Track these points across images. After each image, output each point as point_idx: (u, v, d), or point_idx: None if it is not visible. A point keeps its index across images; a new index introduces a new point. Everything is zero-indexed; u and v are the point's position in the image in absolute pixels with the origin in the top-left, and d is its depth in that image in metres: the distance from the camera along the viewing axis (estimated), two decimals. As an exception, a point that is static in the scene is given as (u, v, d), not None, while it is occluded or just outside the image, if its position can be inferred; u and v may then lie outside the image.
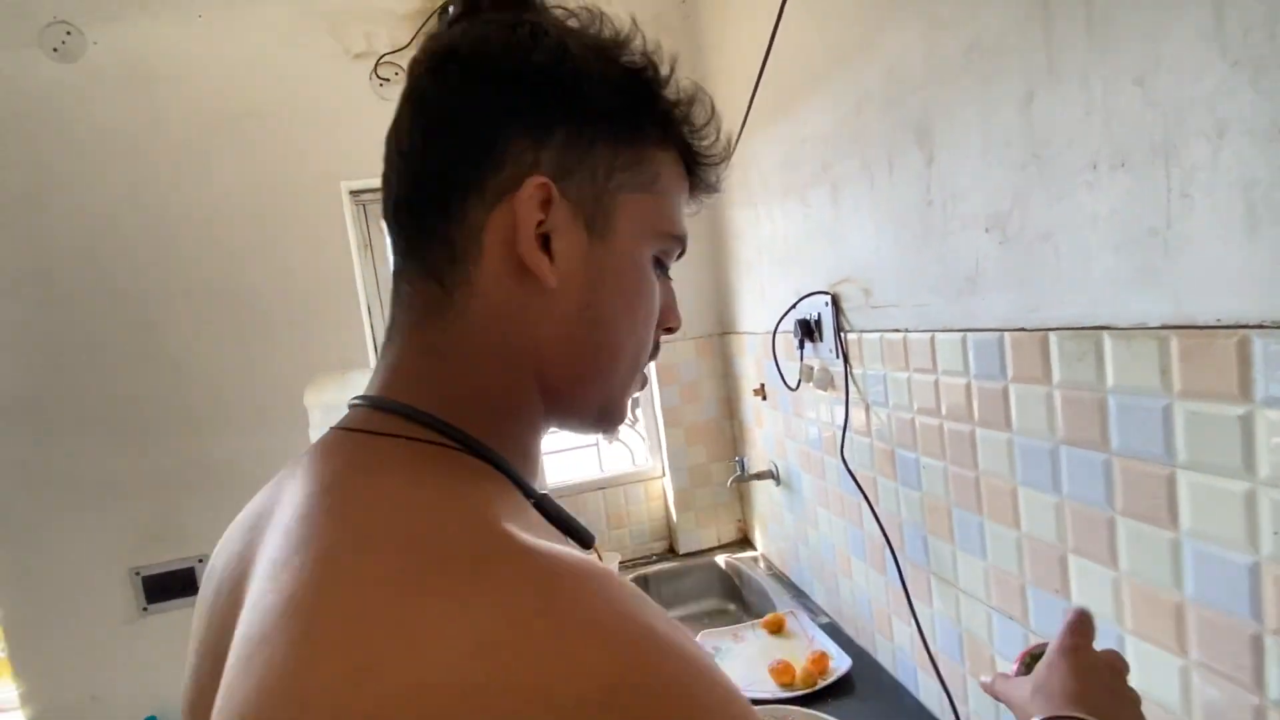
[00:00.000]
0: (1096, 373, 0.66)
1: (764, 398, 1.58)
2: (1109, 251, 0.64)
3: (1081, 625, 0.54)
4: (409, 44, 1.58)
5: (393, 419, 0.35)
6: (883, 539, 1.09)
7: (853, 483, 1.16)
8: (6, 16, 1.35)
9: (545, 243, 0.36)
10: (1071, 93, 0.66)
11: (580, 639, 0.22)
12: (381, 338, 0.41)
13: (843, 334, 1.17)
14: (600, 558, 1.75)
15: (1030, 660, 0.58)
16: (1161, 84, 0.57)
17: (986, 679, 0.59)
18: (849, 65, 1.04)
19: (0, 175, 1.39)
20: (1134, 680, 0.65)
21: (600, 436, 0.48)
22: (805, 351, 1.29)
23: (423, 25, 1.58)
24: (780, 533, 1.64)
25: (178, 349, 1.52)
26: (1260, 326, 0.52)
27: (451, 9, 0.39)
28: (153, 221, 1.49)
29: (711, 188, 0.44)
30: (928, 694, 1.07)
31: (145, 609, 1.52)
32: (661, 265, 0.42)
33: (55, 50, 1.37)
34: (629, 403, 0.44)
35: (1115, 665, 0.53)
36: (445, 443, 0.34)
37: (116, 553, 1.50)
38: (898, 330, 1.01)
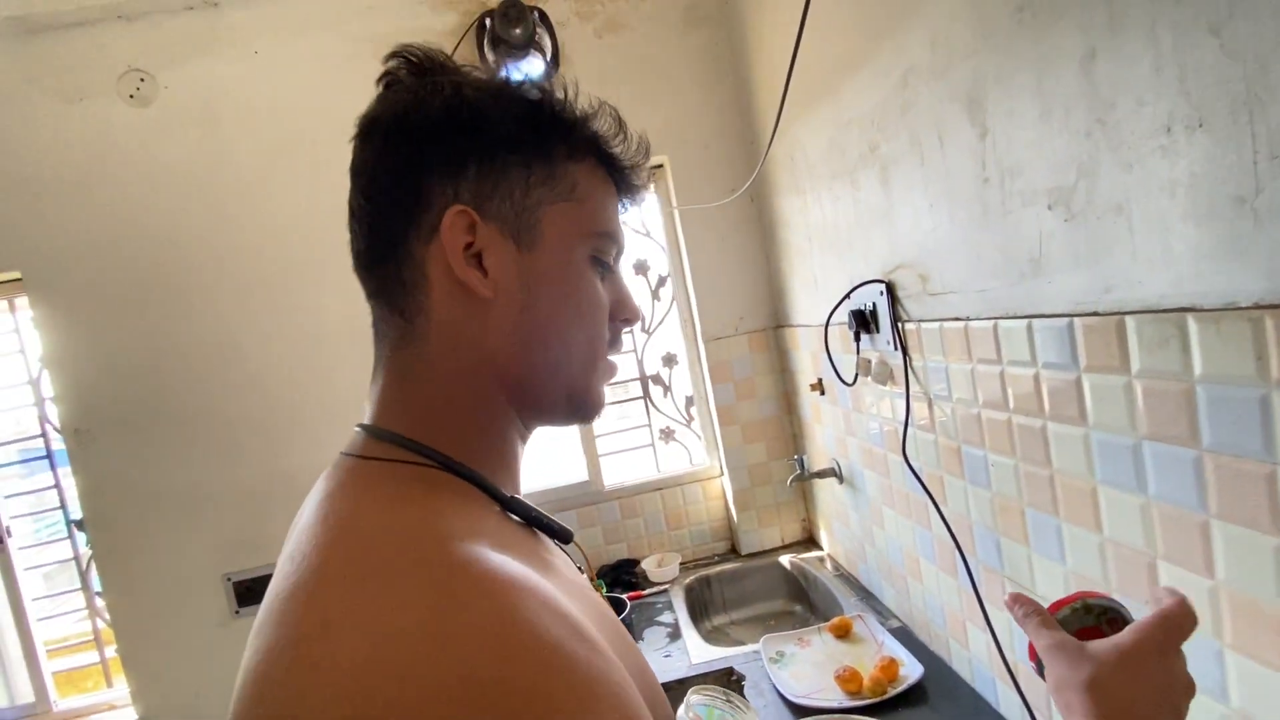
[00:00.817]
0: (1182, 360, 0.59)
1: (822, 393, 1.52)
2: (1190, 223, 0.57)
3: (1180, 619, 0.44)
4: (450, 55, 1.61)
5: (378, 444, 0.41)
6: (951, 541, 1.03)
7: (917, 481, 1.10)
8: (88, 68, 1.48)
9: (480, 261, 0.41)
10: (1138, 47, 0.59)
11: (454, 637, 0.27)
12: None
13: (900, 324, 1.11)
14: (584, 553, 1.74)
15: (1083, 611, 0.49)
16: (1241, 30, 0.50)
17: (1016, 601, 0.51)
18: (889, 38, 0.98)
19: (91, 214, 1.52)
20: (1235, 700, 0.59)
21: (578, 424, 0.56)
22: (861, 344, 1.23)
23: (459, 41, 1.61)
24: (846, 533, 1.58)
25: (259, 368, 1.62)
26: (1380, 301, 0.44)
27: (377, 84, 0.45)
28: (227, 250, 1.59)
29: (636, 187, 0.48)
30: (1008, 706, 1.00)
31: (237, 612, 1.63)
32: (601, 263, 0.46)
33: (131, 96, 1.48)
34: (601, 390, 0.48)
35: (1189, 678, 0.45)
36: (420, 461, 0.39)
37: (210, 560, 1.62)
38: (958, 319, 0.94)
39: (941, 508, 1.04)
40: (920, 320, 1.05)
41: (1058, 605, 0.51)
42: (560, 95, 0.44)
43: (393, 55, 0.44)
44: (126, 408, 1.55)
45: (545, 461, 1.84)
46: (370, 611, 0.28)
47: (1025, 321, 0.80)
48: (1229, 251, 0.54)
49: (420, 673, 0.26)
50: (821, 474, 1.58)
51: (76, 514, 1.63)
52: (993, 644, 0.97)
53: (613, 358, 0.48)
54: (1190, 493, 0.61)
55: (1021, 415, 0.84)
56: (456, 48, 1.61)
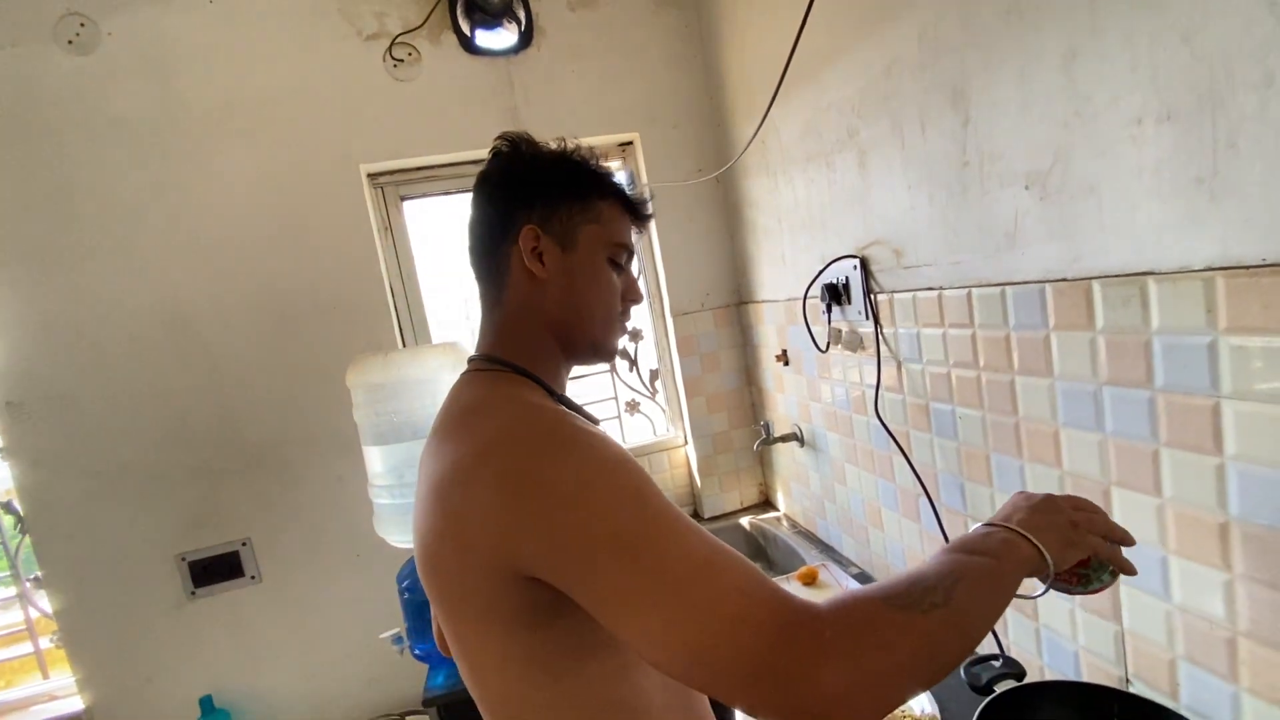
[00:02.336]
0: (1141, 316, 0.71)
1: (786, 363, 1.63)
2: (1154, 201, 0.68)
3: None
4: (422, 24, 1.57)
5: (482, 363, 0.69)
6: (917, 489, 1.15)
7: (885, 437, 1.21)
8: (21, 10, 1.33)
9: (541, 258, 0.67)
10: (1115, 50, 0.69)
11: (533, 424, 0.56)
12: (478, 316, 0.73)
13: (872, 296, 1.21)
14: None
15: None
16: (1209, 38, 0.61)
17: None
18: (877, 30, 1.06)
19: (27, 170, 1.38)
20: (1178, 596, 0.71)
21: (602, 363, 0.84)
22: (833, 315, 1.33)
23: (434, 7, 1.57)
24: (805, 492, 1.70)
25: (209, 337, 1.53)
26: (1304, 263, 0.56)
27: (489, 155, 0.71)
28: (177, 212, 1.49)
29: (643, 216, 0.74)
30: (965, 631, 1.14)
31: (193, 593, 1.56)
32: (615, 264, 0.71)
33: (70, 43, 1.36)
34: (615, 342, 0.73)
35: (1089, 513, 0.61)
36: (507, 370, 0.67)
37: (161, 540, 1.53)
38: (931, 289, 1.05)
39: (910, 457, 1.16)
40: (893, 291, 1.15)
41: None
42: (594, 159, 0.71)
43: (499, 138, 0.70)
44: (66, 379, 1.43)
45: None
46: (489, 423, 0.57)
47: (999, 289, 0.91)
48: (1187, 224, 0.65)
49: (524, 431, 0.55)
50: (784, 438, 1.69)
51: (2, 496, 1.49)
52: (955, 577, 1.09)
53: (626, 323, 0.75)
54: (1144, 426, 0.73)
55: (990, 372, 0.95)
56: (431, 12, 1.57)
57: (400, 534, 1.32)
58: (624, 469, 0.51)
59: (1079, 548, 0.57)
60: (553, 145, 0.71)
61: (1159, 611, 0.76)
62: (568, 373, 0.73)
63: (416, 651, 1.37)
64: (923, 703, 0.97)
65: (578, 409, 0.69)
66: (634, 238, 0.74)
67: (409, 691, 1.69)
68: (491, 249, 0.69)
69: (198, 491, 1.55)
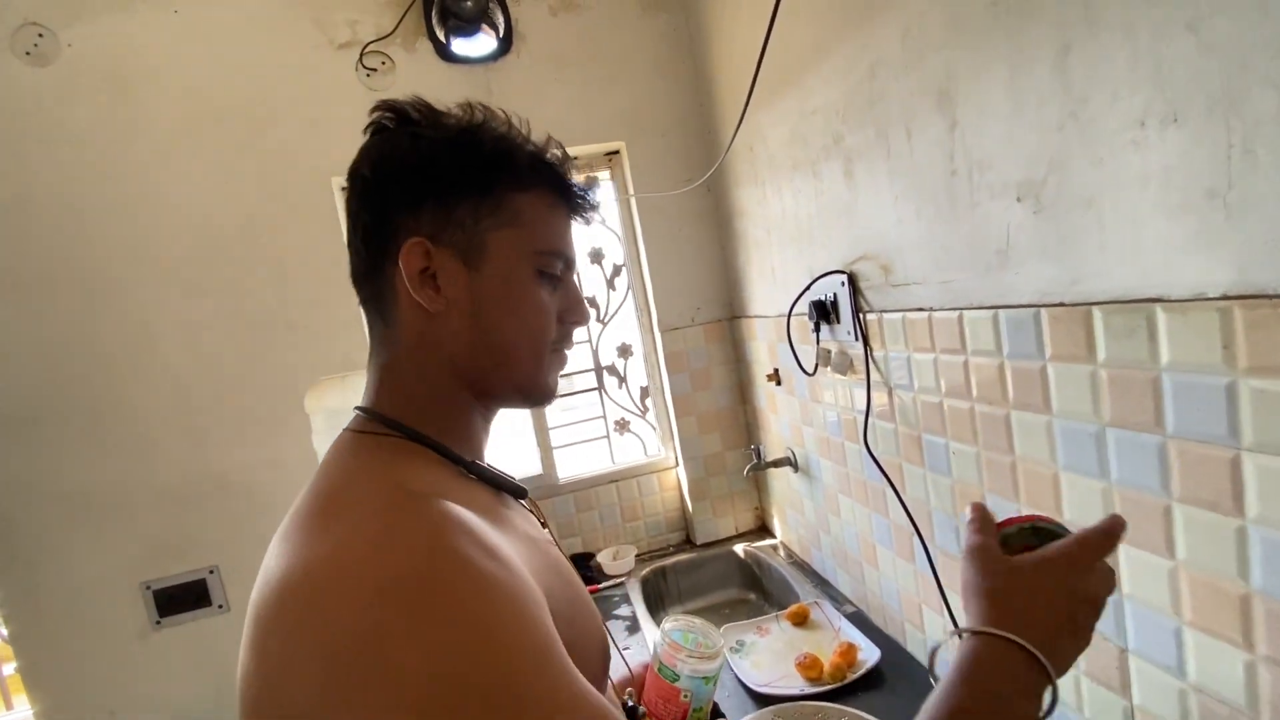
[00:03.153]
0: (1149, 349, 0.61)
1: (778, 383, 1.53)
2: (1161, 216, 0.59)
3: (1099, 538, 0.47)
4: (394, 30, 1.52)
5: (367, 420, 0.52)
6: (910, 527, 1.05)
7: (877, 469, 1.11)
8: (-25, 21, 1.30)
9: (436, 280, 0.50)
10: (1114, 43, 0.60)
11: (390, 549, 0.38)
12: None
13: (861, 315, 1.12)
14: (538, 507, 1.72)
15: (1030, 533, 0.50)
16: (1219, 28, 0.51)
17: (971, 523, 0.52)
18: (859, 30, 0.98)
19: (-18, 186, 1.35)
20: (1193, 673, 0.61)
21: (533, 408, 0.64)
22: (821, 334, 1.24)
23: (405, 12, 1.52)
24: (800, 521, 1.61)
25: (176, 357, 1.48)
26: (1342, 293, 0.47)
27: (364, 132, 0.54)
28: (142, 226, 1.45)
29: (584, 205, 0.57)
30: (962, 684, 1.04)
31: (158, 622, 1.50)
32: (547, 275, 0.54)
33: (28, 54, 1.32)
34: (551, 380, 0.57)
35: (1097, 596, 0.46)
36: (393, 434, 0.50)
37: (125, 567, 1.48)
38: (921, 309, 0.96)
39: (901, 495, 1.06)
40: (882, 311, 1.06)
41: (1009, 521, 0.51)
42: (506, 133, 0.52)
43: (376, 109, 0.53)
44: (26, 401, 1.39)
45: (497, 454, 1.78)
46: (336, 533, 0.40)
47: (991, 312, 0.81)
48: (1199, 244, 0.56)
49: (363, 570, 0.37)
50: (777, 463, 1.59)
51: (-36, 521, 1.45)
52: (950, 625, 0.99)
53: (567, 351, 0.59)
54: (1153, 477, 0.63)
55: (984, 404, 0.86)
56: (403, 18, 1.52)
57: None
58: (500, 646, 0.36)
59: (1080, 649, 0.45)
60: (456, 112, 0.52)
61: (1173, 690, 0.66)
62: (488, 422, 0.57)
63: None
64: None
65: (495, 478, 0.55)
66: (574, 236, 0.57)
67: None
68: (369, 269, 0.52)
69: (164, 517, 1.49)
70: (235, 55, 1.47)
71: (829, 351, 1.23)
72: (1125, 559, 0.68)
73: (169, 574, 1.50)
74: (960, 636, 0.45)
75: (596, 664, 0.50)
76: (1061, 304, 0.71)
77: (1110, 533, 0.48)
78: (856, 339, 1.13)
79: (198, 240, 1.48)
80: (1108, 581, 0.47)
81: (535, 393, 0.55)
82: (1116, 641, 0.72)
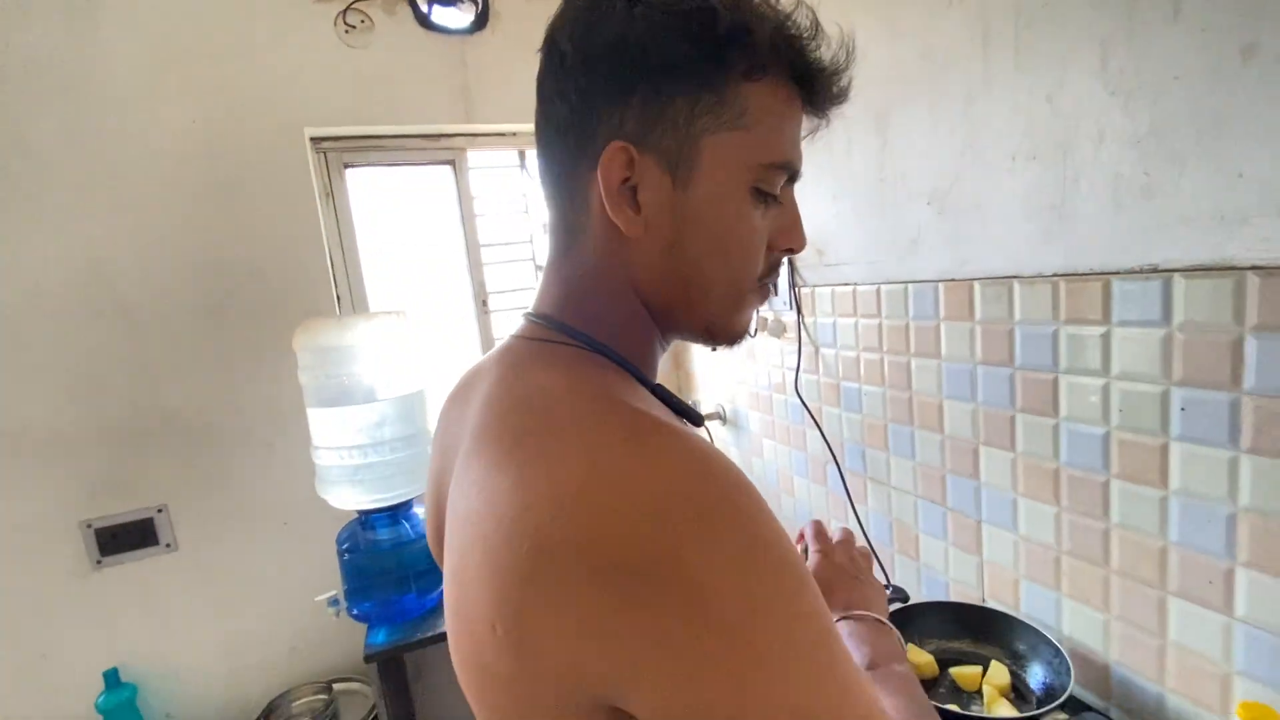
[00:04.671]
0: (1008, 310, 0.91)
1: (714, 349, 1.78)
2: (1021, 220, 0.89)
3: (819, 534, 0.68)
4: (379, -7, 1.58)
5: (543, 329, 0.46)
6: (826, 456, 1.34)
7: (801, 413, 1.40)
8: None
9: (635, 195, 0.42)
10: (1001, 100, 0.89)
11: (654, 465, 0.33)
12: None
13: (797, 289, 1.39)
14: (708, 430, 1.85)
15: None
16: (1065, 101, 0.81)
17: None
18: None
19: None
20: (1024, 524, 0.93)
21: (716, 348, 0.52)
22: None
23: (394, -25, 1.58)
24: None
25: (129, 294, 1.46)
26: (1117, 273, 0.78)
27: None
28: (95, 162, 1.41)
29: (829, 97, 0.45)
30: (858, 576, 1.35)
31: (99, 562, 1.48)
32: (764, 194, 0.44)
33: (-14, -38, 1.25)
34: (745, 321, 0.49)
35: (850, 552, 0.66)
36: (577, 345, 0.45)
37: (64, 506, 1.44)
38: (848, 284, 1.24)
39: (822, 429, 1.35)
40: (815, 285, 1.34)
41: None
42: (744, 2, 0.41)
43: None
44: (-37, 328, 1.32)
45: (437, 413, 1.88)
46: (597, 451, 0.34)
47: (903, 285, 1.10)
48: (1043, 240, 0.86)
49: (639, 492, 0.31)
50: (709, 417, 1.85)
51: None
52: (857, 531, 1.29)
53: (773, 285, 0.49)
54: (1005, 397, 0.94)
55: (892, 355, 1.15)
56: (390, -18, 1.58)
57: (345, 495, 1.34)
58: (798, 572, 0.33)
59: (880, 593, 0.64)
60: None
61: (1008, 542, 0.98)
62: (665, 349, 0.50)
63: (354, 612, 1.40)
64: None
65: (677, 404, 0.48)
66: (804, 136, 0.47)
67: (337, 659, 1.69)
68: (563, 164, 0.44)
69: (109, 455, 1.47)
70: (210, -6, 1.46)
71: (766, 319, 1.50)
72: (985, 456, 0.99)
73: (113, 513, 1.48)
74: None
75: None
76: (954, 279, 1.00)
77: (816, 531, 0.69)
78: (791, 307, 1.40)
79: (160, 178, 1.46)
80: (849, 546, 0.67)
81: (725, 335, 0.48)
82: (974, 516, 1.04)
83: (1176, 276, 0.72)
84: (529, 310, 0.49)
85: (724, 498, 0.32)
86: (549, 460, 0.35)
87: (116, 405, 1.47)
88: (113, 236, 1.44)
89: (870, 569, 0.67)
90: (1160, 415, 0.75)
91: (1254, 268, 0.66)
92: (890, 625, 0.59)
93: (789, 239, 0.47)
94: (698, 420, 0.52)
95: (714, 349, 0.50)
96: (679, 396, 0.49)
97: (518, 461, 0.36)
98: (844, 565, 0.64)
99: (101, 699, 1.43)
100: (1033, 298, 0.88)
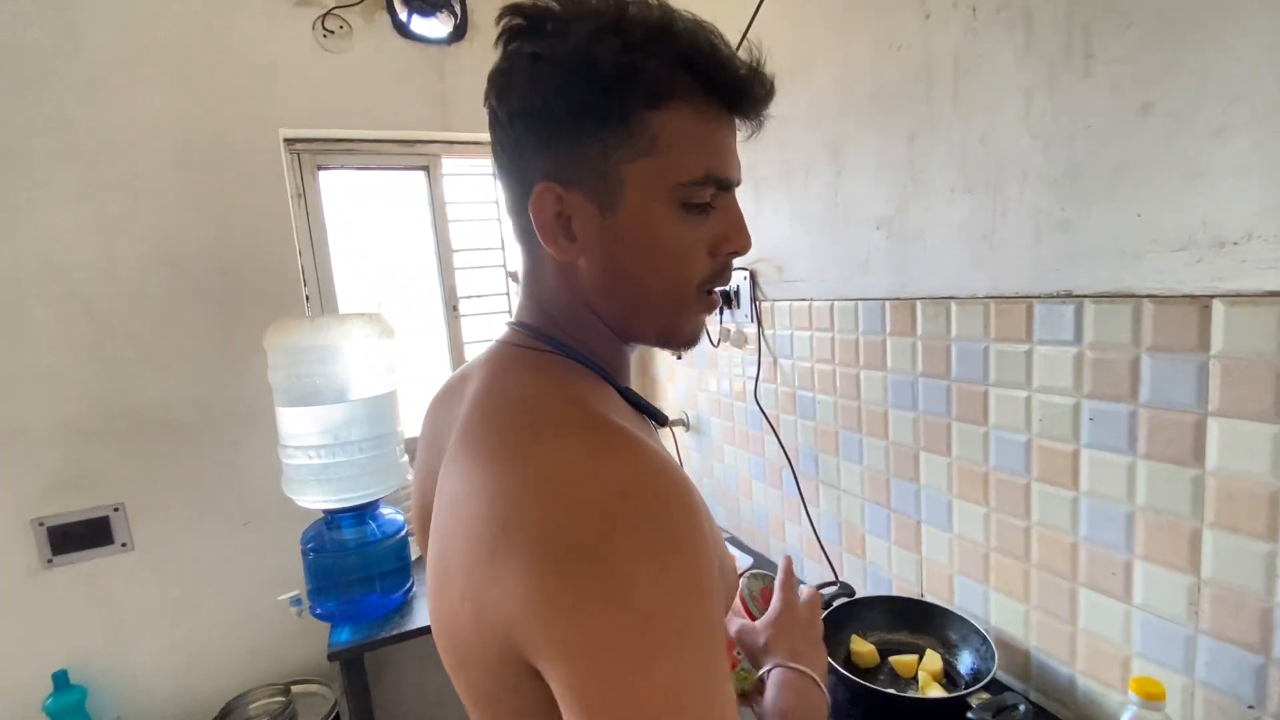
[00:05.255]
0: (946, 327, 1.00)
1: (679, 357, 1.86)
2: (956, 247, 0.98)
3: (787, 583, 0.70)
4: (361, 1, 1.61)
5: (526, 337, 0.52)
6: (782, 461, 1.42)
7: (759, 419, 1.47)
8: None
9: (569, 227, 0.47)
10: (940, 139, 0.98)
11: (608, 468, 0.38)
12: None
13: (757, 302, 1.47)
14: (673, 434, 1.90)
15: (760, 578, 0.75)
16: (995, 143, 0.90)
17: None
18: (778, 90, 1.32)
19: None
20: (959, 523, 1.01)
21: (677, 351, 0.58)
22: (724, 317, 1.57)
23: (374, -15, 1.61)
24: (687, 469, 1.93)
25: (91, 289, 1.45)
26: (1038, 297, 0.87)
27: (495, 44, 0.47)
28: (62, 152, 1.40)
29: (753, 103, 0.48)
30: (812, 576, 1.43)
31: (50, 560, 1.45)
32: (695, 206, 0.47)
33: (-42, -50, 1.24)
34: (693, 327, 0.53)
35: (814, 613, 0.69)
36: (556, 351, 0.50)
37: (15, 503, 1.41)
38: (804, 299, 1.32)
39: (779, 435, 1.43)
40: (775, 300, 1.42)
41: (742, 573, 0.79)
42: (642, 35, 0.43)
43: (504, 13, 0.46)
44: (-84, 318, 1.29)
45: (416, 411, 1.90)
46: (562, 448, 0.39)
47: (854, 303, 1.19)
48: (974, 266, 0.95)
49: (590, 488, 0.37)
50: (673, 423, 1.92)
51: None
52: (807, 532, 1.37)
53: (720, 289, 0.52)
54: (943, 407, 1.03)
55: (843, 366, 1.23)
56: (370, -9, 1.61)
57: (312, 495, 1.36)
58: (707, 583, 0.37)
59: (823, 656, 0.66)
60: (594, 3, 0.44)
61: (944, 540, 1.06)
62: (631, 353, 0.56)
63: (318, 611, 1.41)
64: (779, 625, 1.23)
65: (643, 405, 0.54)
66: (737, 138, 0.49)
67: (296, 661, 1.68)
68: (514, 205, 0.49)
69: (66, 451, 1.45)
70: (188, -8, 1.47)
71: (729, 330, 1.58)
72: (925, 464, 1.08)
73: (66, 511, 1.46)
74: (768, 673, 0.62)
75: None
76: (899, 298, 1.09)
77: (787, 573, 0.71)
78: (753, 320, 1.48)
79: (129, 171, 1.45)
80: (814, 607, 0.70)
81: (677, 340, 0.52)
82: (914, 516, 1.12)
83: (1087, 302, 0.82)
84: (513, 320, 0.54)
85: (662, 503, 0.37)
86: (524, 457, 0.40)
87: (76, 400, 1.45)
88: (77, 228, 1.43)
89: (820, 635, 0.69)
90: (1073, 424, 0.85)
91: (1149, 296, 0.76)
92: (824, 690, 0.60)
93: (730, 244, 0.49)
94: (662, 420, 0.57)
95: (676, 354, 0.57)
96: (644, 399, 0.54)
97: (499, 456, 0.41)
98: (802, 619, 0.67)
99: (49, 701, 1.40)
100: (967, 317, 0.97)
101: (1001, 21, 0.88)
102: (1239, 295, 0.68)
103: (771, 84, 0.48)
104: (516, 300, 0.55)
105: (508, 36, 0.46)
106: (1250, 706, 0.71)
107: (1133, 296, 0.77)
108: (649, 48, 0.43)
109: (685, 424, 1.89)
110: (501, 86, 0.47)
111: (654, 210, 0.46)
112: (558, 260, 0.48)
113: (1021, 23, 0.85)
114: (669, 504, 0.37)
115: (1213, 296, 0.70)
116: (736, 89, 0.46)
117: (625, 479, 0.37)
